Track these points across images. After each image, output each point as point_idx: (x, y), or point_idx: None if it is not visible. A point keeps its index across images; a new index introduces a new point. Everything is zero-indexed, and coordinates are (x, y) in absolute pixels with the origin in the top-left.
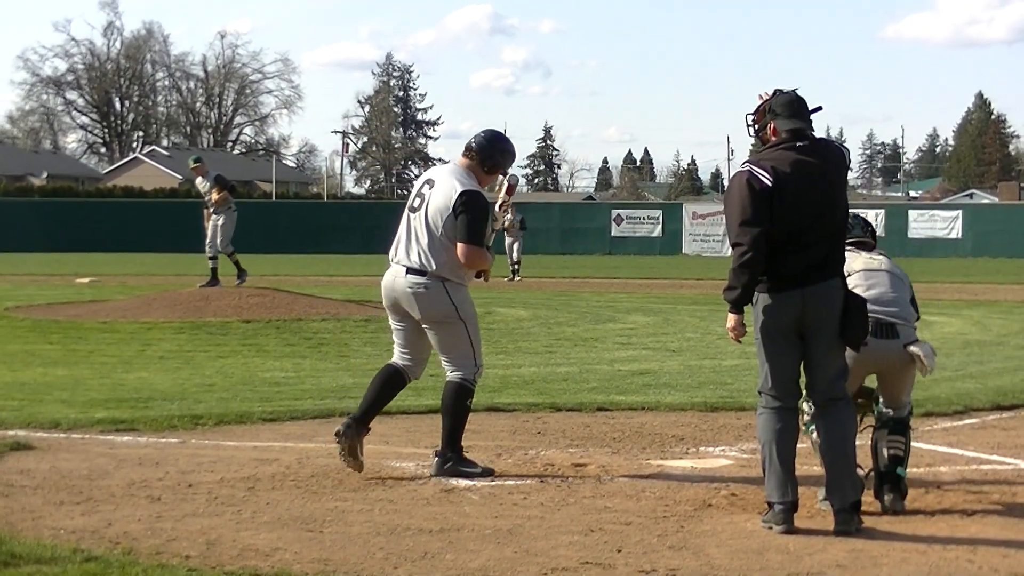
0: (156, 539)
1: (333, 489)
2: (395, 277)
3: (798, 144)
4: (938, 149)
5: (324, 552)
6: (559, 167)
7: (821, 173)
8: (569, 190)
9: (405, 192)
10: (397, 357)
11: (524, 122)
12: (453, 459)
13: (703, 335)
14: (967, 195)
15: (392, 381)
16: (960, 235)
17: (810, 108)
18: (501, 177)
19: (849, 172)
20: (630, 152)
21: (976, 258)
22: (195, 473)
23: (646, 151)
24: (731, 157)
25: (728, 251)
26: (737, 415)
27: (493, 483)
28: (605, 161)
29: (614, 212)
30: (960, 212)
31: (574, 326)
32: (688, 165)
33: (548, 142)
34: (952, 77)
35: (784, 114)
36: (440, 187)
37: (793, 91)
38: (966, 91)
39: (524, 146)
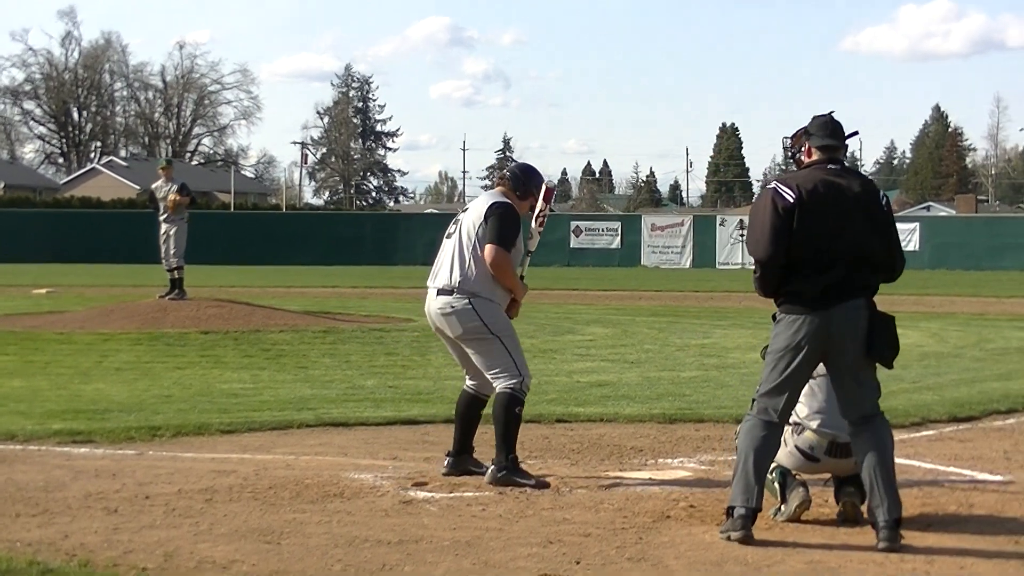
0: (113, 551)
1: (291, 501)
2: (429, 301)
3: (829, 166)
4: (896, 162)
5: (282, 564)
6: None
7: (846, 196)
8: None
9: (364, 203)
10: (466, 381)
11: (483, 133)
12: (508, 468)
13: (662, 347)
14: (924, 207)
15: (470, 407)
16: (918, 247)
17: (846, 132)
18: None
19: (886, 213)
20: (589, 164)
21: (933, 270)
22: (152, 485)
23: (605, 163)
24: (690, 169)
25: (686, 263)
26: (696, 427)
27: (452, 495)
28: (564, 172)
29: (573, 223)
30: (918, 224)
31: (533, 337)
32: (647, 177)
33: (507, 153)
34: (909, 90)
35: (819, 134)
36: (473, 207)
37: (829, 114)
38: (923, 104)
39: (483, 157)
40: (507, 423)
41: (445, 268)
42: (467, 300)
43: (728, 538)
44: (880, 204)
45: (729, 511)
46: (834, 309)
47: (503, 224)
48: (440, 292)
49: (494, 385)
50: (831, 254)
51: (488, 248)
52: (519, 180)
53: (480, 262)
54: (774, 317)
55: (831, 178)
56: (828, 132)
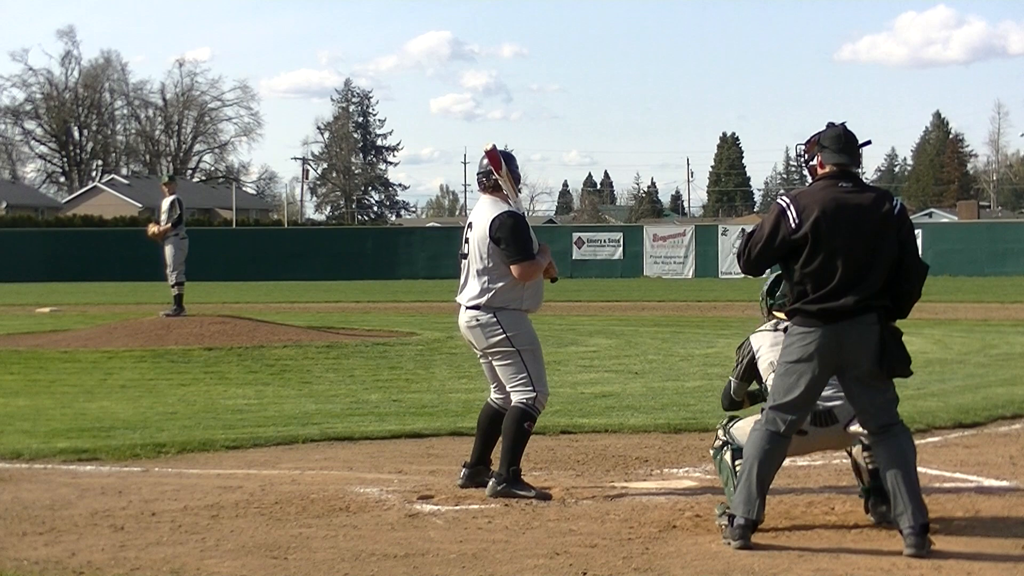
0: (120, 569)
1: (297, 516)
2: (459, 315)
3: (842, 184)
4: (897, 169)
5: None
6: (519, 191)
7: (856, 215)
8: (530, 214)
9: (365, 218)
10: (491, 394)
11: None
12: (508, 480)
13: (665, 357)
14: (926, 214)
15: (492, 421)
16: (920, 254)
17: (859, 143)
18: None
19: (899, 219)
20: (590, 175)
21: (936, 277)
22: (158, 502)
23: (606, 174)
24: (691, 179)
25: (689, 273)
26: (700, 436)
27: (457, 508)
28: (565, 184)
29: (575, 235)
30: (920, 231)
31: None
32: (648, 187)
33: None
34: (910, 97)
35: (832, 148)
36: (476, 223)
37: (842, 125)
38: (924, 111)
39: None
40: (515, 437)
41: (470, 286)
42: (492, 314)
43: (728, 544)
44: (892, 221)
45: (731, 518)
46: (846, 323)
47: (515, 236)
48: (469, 307)
49: (512, 398)
50: (840, 275)
51: (516, 269)
52: (492, 176)
53: (497, 278)
54: (785, 329)
55: (842, 196)
56: (840, 147)
